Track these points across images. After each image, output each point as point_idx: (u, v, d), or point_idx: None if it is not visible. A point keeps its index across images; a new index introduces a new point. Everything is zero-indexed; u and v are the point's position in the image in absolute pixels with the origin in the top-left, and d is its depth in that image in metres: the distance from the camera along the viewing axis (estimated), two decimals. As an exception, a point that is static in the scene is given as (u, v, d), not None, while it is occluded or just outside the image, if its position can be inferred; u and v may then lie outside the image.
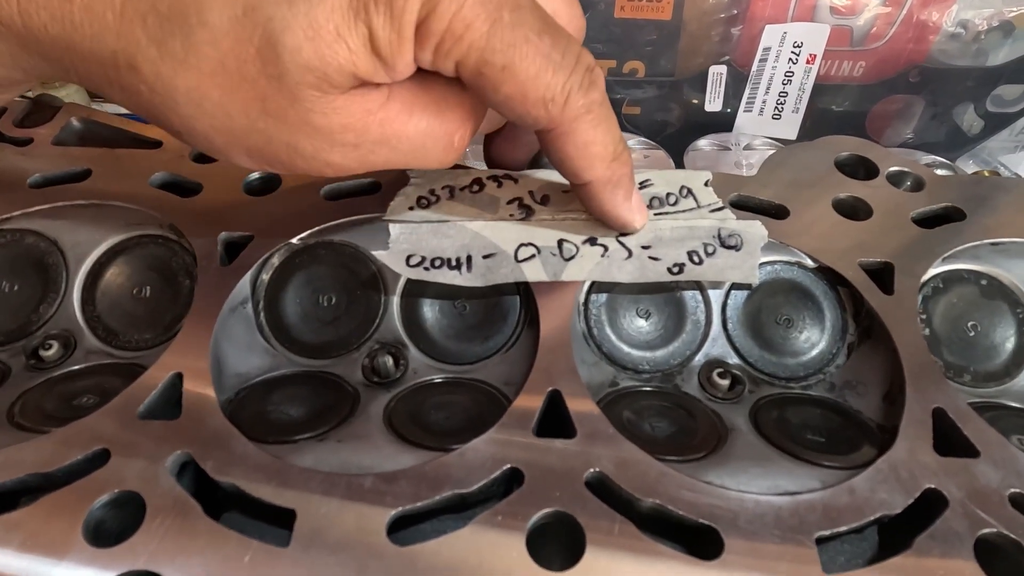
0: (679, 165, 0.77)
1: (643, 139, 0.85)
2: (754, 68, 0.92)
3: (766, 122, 0.96)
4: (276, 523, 0.26)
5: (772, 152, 0.42)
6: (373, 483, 0.27)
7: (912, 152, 0.90)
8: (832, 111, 0.95)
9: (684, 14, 0.89)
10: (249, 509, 0.27)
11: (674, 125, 0.94)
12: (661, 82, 0.93)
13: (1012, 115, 0.95)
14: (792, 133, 0.95)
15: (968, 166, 0.98)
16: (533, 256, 0.35)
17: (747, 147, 0.88)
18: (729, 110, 0.95)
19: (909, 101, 0.96)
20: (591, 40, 0.91)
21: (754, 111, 0.95)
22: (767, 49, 0.90)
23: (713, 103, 0.95)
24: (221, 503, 0.27)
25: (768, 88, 0.94)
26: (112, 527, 0.26)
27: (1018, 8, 0.89)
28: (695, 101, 0.96)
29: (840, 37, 0.90)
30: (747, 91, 0.94)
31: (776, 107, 0.95)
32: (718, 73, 0.93)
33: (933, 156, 0.88)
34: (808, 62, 0.91)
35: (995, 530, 0.26)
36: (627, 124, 0.92)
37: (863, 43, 0.91)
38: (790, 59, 0.91)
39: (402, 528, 0.27)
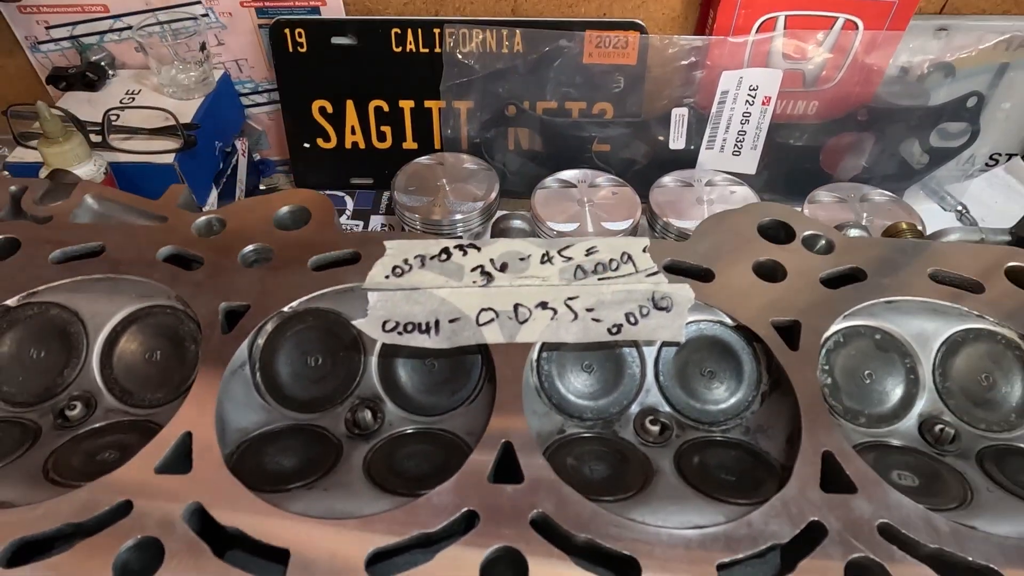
0: (645, 200, 0.83)
1: (611, 176, 0.90)
2: (714, 110, 0.98)
3: (727, 159, 1.02)
4: (273, 559, 0.32)
5: (711, 215, 0.48)
6: (354, 526, 0.32)
7: (862, 186, 0.96)
8: (789, 146, 1.02)
9: (648, 60, 0.95)
10: (250, 548, 0.32)
11: (641, 162, 1.00)
12: (628, 122, 0.99)
13: (955, 149, 1.02)
14: (751, 168, 1.02)
15: (917, 196, 1.05)
16: (492, 320, 0.41)
17: (709, 183, 0.94)
18: (692, 147, 1.01)
19: (860, 138, 1.03)
20: (562, 84, 0.97)
21: (715, 149, 1.01)
22: (725, 92, 0.96)
23: (677, 142, 1.02)
24: (226, 543, 0.33)
25: (728, 127, 1.00)
26: (136, 567, 0.31)
27: (957, 52, 0.97)
28: (660, 139, 1.03)
29: (793, 79, 0.97)
30: (708, 130, 1.01)
31: (736, 145, 1.02)
32: (681, 114, 0.99)
33: (881, 190, 0.95)
34: (764, 103, 0.98)
35: (864, 554, 0.32)
36: (597, 161, 0.98)
37: (815, 84, 0.98)
38: (747, 101, 0.97)
39: (378, 562, 0.32)
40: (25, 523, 0.32)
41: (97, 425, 0.39)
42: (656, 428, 0.39)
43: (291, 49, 0.97)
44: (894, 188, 0.95)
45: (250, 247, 0.44)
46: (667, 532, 0.32)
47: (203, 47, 0.95)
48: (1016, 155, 1.07)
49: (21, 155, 0.83)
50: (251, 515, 0.33)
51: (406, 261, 0.44)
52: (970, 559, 0.32)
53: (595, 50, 0.95)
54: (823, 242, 0.46)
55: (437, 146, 1.06)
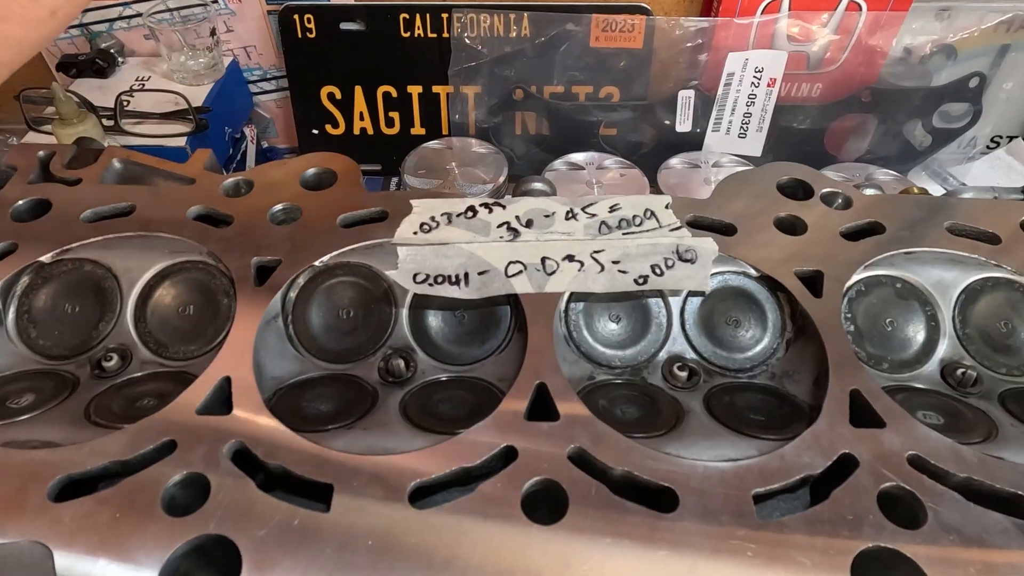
0: (652, 182, 0.84)
1: (619, 158, 0.91)
2: (720, 92, 0.99)
3: (733, 141, 1.03)
4: (316, 498, 0.32)
5: (729, 174, 0.49)
6: (395, 462, 0.33)
7: (867, 166, 0.97)
8: (793, 129, 1.03)
9: (654, 43, 0.96)
10: (293, 487, 0.33)
11: (648, 145, 1.01)
12: (635, 106, 1.00)
13: (957, 130, 1.03)
14: (757, 150, 1.03)
15: (920, 177, 1.06)
16: (520, 272, 0.41)
17: (715, 164, 0.95)
18: (698, 130, 1.02)
19: (863, 119, 1.04)
20: (569, 68, 0.98)
21: (721, 131, 1.02)
22: (731, 74, 0.97)
23: (683, 124, 1.03)
24: (270, 481, 0.33)
25: (733, 110, 1.01)
26: (182, 502, 0.32)
27: (958, 33, 0.98)
28: (667, 122, 1.03)
29: (797, 62, 0.98)
30: (714, 113, 1.02)
31: (741, 127, 1.03)
32: (687, 97, 1.00)
33: (886, 170, 0.96)
34: (769, 85, 0.99)
35: (895, 483, 0.32)
36: (604, 145, 0.99)
37: (819, 67, 0.99)
38: (752, 83, 0.98)
39: (420, 498, 0.33)
40: (71, 461, 0.33)
41: (134, 375, 0.40)
42: (684, 374, 0.40)
43: (300, 35, 0.98)
44: (897, 170, 0.97)
45: (279, 206, 0.45)
46: (702, 464, 0.33)
47: (213, 32, 0.95)
48: (1017, 136, 1.08)
49: (34, 139, 0.83)
50: (293, 453, 0.33)
51: (433, 219, 0.44)
52: (998, 487, 0.33)
53: (601, 34, 0.96)
54: (841, 199, 0.47)
55: (445, 131, 1.07)
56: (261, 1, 0.99)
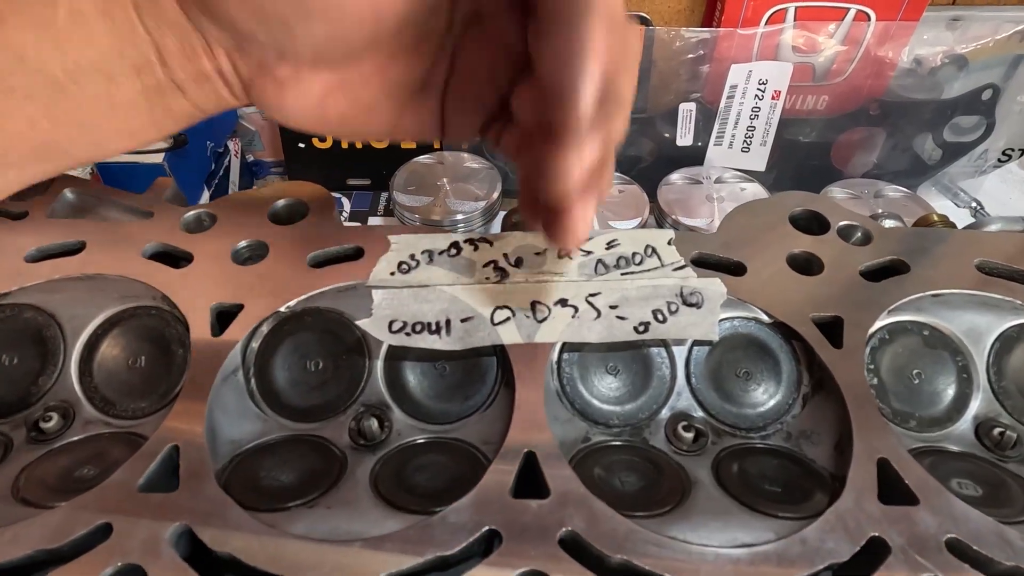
0: (652, 198, 0.80)
1: (617, 174, 0.87)
2: (722, 104, 0.95)
3: (735, 155, 0.99)
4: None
5: (738, 205, 0.45)
6: (361, 548, 0.29)
7: (875, 182, 0.93)
8: (799, 143, 0.99)
9: (654, 54, 0.92)
10: (245, 576, 0.29)
11: (647, 160, 0.97)
12: (634, 118, 0.96)
13: (969, 144, 0.99)
14: (761, 165, 0.99)
15: (930, 192, 1.02)
16: (508, 319, 0.37)
17: (718, 180, 0.92)
18: (700, 144, 0.98)
19: (871, 132, 1.00)
20: (565, 80, 0.94)
21: (724, 145, 0.99)
22: (734, 87, 0.93)
23: (684, 138, 0.99)
24: (217, 570, 0.29)
25: (736, 123, 0.97)
26: (116, 599, 0.28)
27: (971, 43, 0.94)
28: (667, 136, 0.99)
29: (803, 74, 0.94)
30: (716, 126, 0.98)
31: (745, 141, 0.99)
32: (688, 110, 0.96)
33: (895, 186, 0.92)
34: (773, 98, 0.95)
35: (932, 574, 0.28)
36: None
37: (825, 79, 0.95)
38: (756, 95, 0.94)
39: (390, 596, 0.29)
40: (-10, 549, 0.28)
41: (75, 438, 0.35)
42: (690, 435, 0.36)
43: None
44: (906, 184, 0.93)
45: (243, 243, 0.41)
46: (713, 552, 0.29)
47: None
48: (1031, 151, 1.04)
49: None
50: (245, 538, 0.29)
51: (412, 257, 0.40)
52: (1047, 576, 0.29)
53: (599, 44, 0.92)
54: (860, 233, 0.43)
55: (436, 146, 1.03)
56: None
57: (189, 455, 0.32)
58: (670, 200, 0.83)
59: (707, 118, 0.96)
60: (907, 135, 0.98)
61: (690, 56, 0.93)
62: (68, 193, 0.44)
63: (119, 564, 0.28)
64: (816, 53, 0.92)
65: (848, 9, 0.89)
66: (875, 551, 0.29)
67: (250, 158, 1.06)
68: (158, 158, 0.80)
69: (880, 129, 0.98)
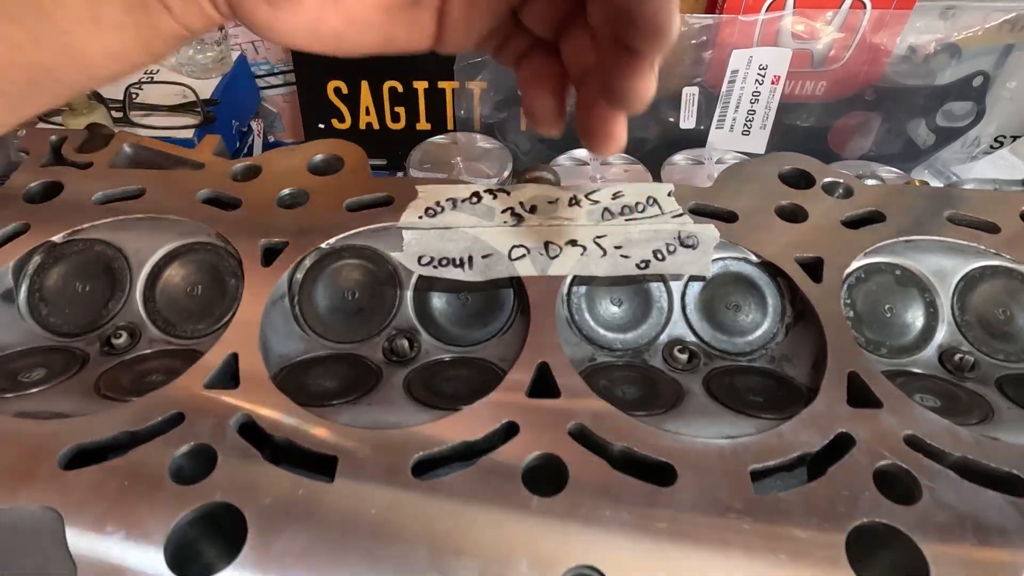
0: (656, 178, 0.85)
1: (623, 155, 0.91)
2: (724, 89, 1.00)
3: (736, 138, 1.04)
4: (321, 471, 0.33)
5: (731, 164, 0.49)
6: (399, 435, 0.33)
7: (870, 164, 0.97)
8: (797, 127, 1.03)
9: (659, 40, 0.97)
10: (298, 460, 0.33)
11: (652, 142, 1.02)
12: (639, 103, 1.00)
13: (961, 129, 1.04)
14: (761, 147, 1.03)
15: (923, 176, 1.06)
16: (524, 255, 0.42)
17: (719, 161, 0.96)
18: (702, 127, 1.02)
19: (867, 117, 1.04)
20: (574, 65, 0.99)
21: (725, 128, 1.03)
22: (735, 71, 0.98)
23: (687, 121, 1.03)
24: (275, 456, 0.34)
25: (737, 107, 1.01)
26: (189, 473, 0.32)
27: (963, 32, 0.98)
28: (671, 119, 1.04)
29: (802, 60, 0.99)
30: (718, 110, 1.02)
31: (745, 124, 1.03)
32: (691, 94, 1.01)
33: (889, 168, 0.96)
34: (773, 82, 0.99)
35: (891, 462, 0.33)
36: (608, 142, 0.99)
37: (823, 65, 0.99)
38: (756, 80, 0.99)
39: (422, 472, 0.33)
40: (81, 431, 0.33)
41: (144, 352, 0.40)
42: (684, 356, 0.41)
43: (308, 30, 0.98)
44: (900, 168, 0.97)
45: (286, 191, 0.46)
46: (701, 441, 0.34)
47: (221, 27, 0.96)
48: (1021, 136, 1.08)
49: (43, 128, 0.84)
50: (298, 426, 0.34)
51: (438, 204, 0.45)
52: (993, 466, 0.33)
53: (607, 31, 0.97)
54: (842, 188, 0.48)
55: (450, 127, 1.08)
56: (270, -4, 0.99)
57: (246, 361, 0.36)
58: (673, 179, 0.87)
59: (709, 102, 1.01)
60: (901, 120, 1.02)
61: (693, 42, 0.97)
62: (126, 147, 0.49)
63: (192, 444, 0.33)
64: (814, 40, 0.97)
65: (845, -3, 0.93)
66: (842, 444, 0.34)
67: (271, 138, 1.11)
68: (188, 134, 0.85)
69: (875, 114, 1.02)
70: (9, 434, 0.33)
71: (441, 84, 1.01)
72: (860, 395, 0.36)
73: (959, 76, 0.99)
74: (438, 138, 0.92)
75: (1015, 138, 1.09)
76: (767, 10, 0.94)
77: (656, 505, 0.31)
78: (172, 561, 0.29)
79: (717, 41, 0.96)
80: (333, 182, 0.47)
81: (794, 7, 0.95)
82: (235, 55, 1.02)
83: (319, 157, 0.48)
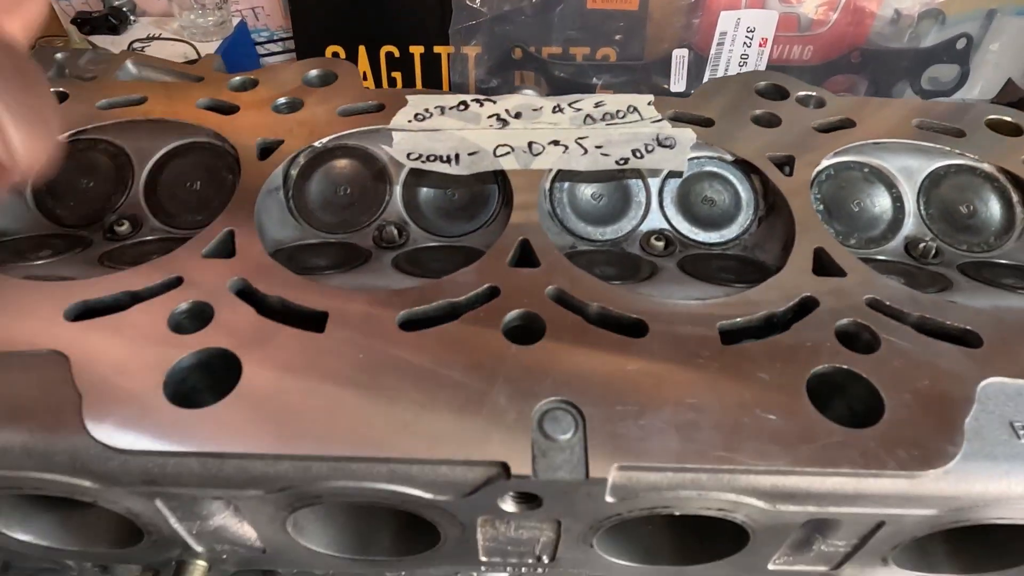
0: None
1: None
2: (713, 51, 1.02)
3: (725, 101, 1.05)
4: (312, 328, 0.35)
5: (700, 86, 0.51)
6: (387, 295, 0.35)
7: (855, 124, 0.98)
8: (785, 91, 1.04)
9: (649, 4, 0.99)
10: (291, 318, 0.35)
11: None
12: (630, 66, 1.03)
13: (946, 92, 1.05)
14: (749, 111, 1.04)
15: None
16: (508, 153, 0.44)
17: (708, 122, 0.97)
18: (692, 91, 1.04)
19: (853, 80, 1.06)
20: (566, 29, 1.01)
21: (714, 91, 1.04)
22: (723, 34, 1.00)
23: (677, 84, 1.05)
24: (270, 315, 0.36)
25: (726, 70, 1.03)
26: (189, 328, 0.34)
27: (945, -4, 1.00)
28: (664, 87, 1.06)
29: (788, 23, 1.01)
30: (707, 72, 1.04)
31: (734, 87, 1.04)
32: (681, 57, 1.03)
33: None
34: (760, 45, 1.01)
35: (852, 320, 0.35)
36: (601, 103, 1.01)
37: (809, 28, 1.01)
38: (744, 43, 1.01)
39: (409, 329, 0.35)
40: (85, 290, 0.35)
41: (145, 238, 0.42)
42: (661, 243, 0.42)
43: (306, -6, 1.01)
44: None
45: (282, 99, 0.48)
46: (672, 302, 0.35)
47: None
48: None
49: (48, 86, 0.85)
50: (291, 287, 0.36)
51: (427, 110, 0.47)
52: (949, 323, 0.35)
53: (598, -5, 0.99)
54: (814, 100, 0.50)
55: (446, 90, 1.09)
56: (270, -40, 1.02)
57: (242, 237, 0.38)
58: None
59: (699, 65, 1.03)
60: (887, 83, 1.04)
61: (683, 3, 0.99)
62: (130, 64, 0.51)
63: (192, 301, 0.35)
64: (801, 3, 0.99)
65: (830, -41, 0.95)
66: (807, 306, 0.36)
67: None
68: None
69: (861, 77, 1.04)
70: (18, 290, 0.35)
71: (437, 49, 1.03)
72: (825, 266, 0.38)
73: (943, 39, 1.01)
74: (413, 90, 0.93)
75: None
76: (754, -28, 0.96)
77: (628, 352, 0.33)
78: (172, 397, 0.31)
79: (706, 4, 0.98)
80: (327, 92, 0.49)
81: (781, -31, 0.97)
82: (236, 21, 1.04)
83: (314, 72, 0.50)
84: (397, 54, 1.05)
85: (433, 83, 1.07)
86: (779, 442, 0.30)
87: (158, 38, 0.96)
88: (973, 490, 0.30)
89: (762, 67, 1.01)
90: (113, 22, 1.01)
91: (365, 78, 1.08)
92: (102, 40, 0.96)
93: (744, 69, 1.01)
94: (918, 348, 0.33)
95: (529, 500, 0.31)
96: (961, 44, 1.00)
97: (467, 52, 1.03)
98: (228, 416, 0.30)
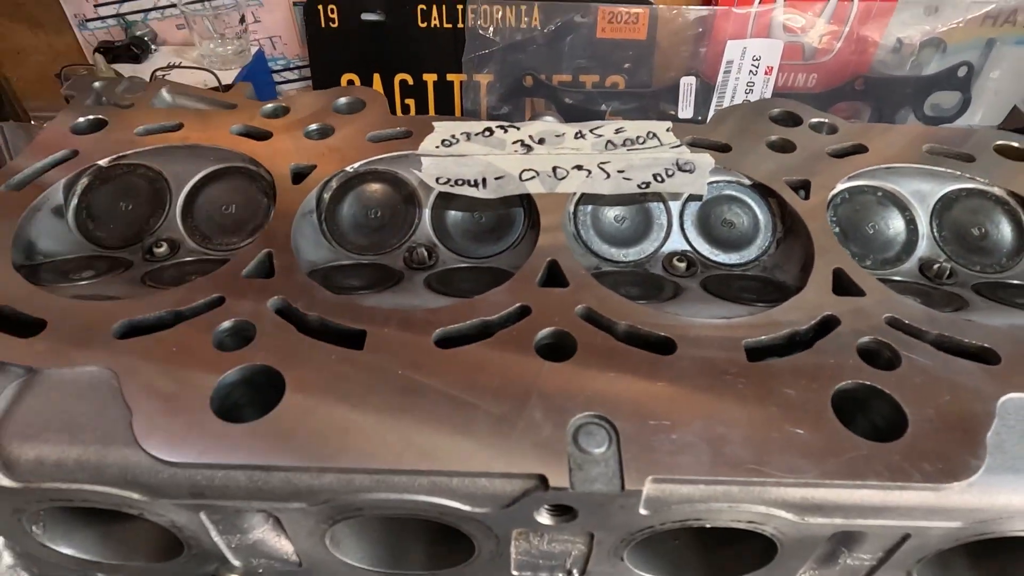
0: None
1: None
2: (720, 79, 1.04)
3: (732, 127, 1.07)
4: (352, 345, 0.36)
5: (715, 113, 0.53)
6: (421, 314, 0.36)
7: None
8: (790, 118, 1.06)
9: (657, 34, 1.02)
10: (330, 336, 0.36)
11: (658, 127, 1.06)
12: (639, 93, 1.05)
13: (948, 118, 1.08)
14: (756, 137, 1.06)
15: (914, 166, 1.09)
16: (534, 177, 0.45)
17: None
18: (700, 118, 1.07)
19: (857, 107, 1.08)
20: (576, 57, 1.04)
21: (721, 117, 1.06)
22: (730, 62, 1.02)
23: (685, 111, 1.07)
24: (309, 333, 0.37)
25: (733, 97, 1.06)
26: (231, 345, 0.35)
27: (946, 25, 1.03)
28: (671, 113, 1.08)
29: (793, 52, 1.03)
30: (715, 100, 1.06)
31: (741, 114, 1.06)
32: (688, 84, 1.05)
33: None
34: (766, 73, 1.03)
35: (873, 338, 0.36)
36: (610, 130, 1.03)
37: (813, 57, 1.04)
38: (751, 71, 1.03)
39: (443, 348, 0.36)
40: (131, 309, 0.36)
41: (183, 259, 0.44)
42: (683, 264, 0.44)
43: (323, 24, 1.04)
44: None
45: (313, 125, 0.49)
46: (699, 320, 0.37)
47: (242, 20, 1.01)
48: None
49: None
50: (330, 307, 0.37)
51: (453, 136, 0.49)
52: (967, 341, 0.36)
53: (608, 25, 1.02)
54: (827, 127, 0.51)
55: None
56: (288, -7, 1.04)
57: (280, 258, 0.40)
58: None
59: (706, 92, 1.05)
60: (890, 109, 1.06)
61: (690, 34, 1.02)
62: (164, 92, 0.53)
63: (234, 320, 0.36)
64: (805, 32, 1.01)
65: (833, -10, 0.98)
66: (828, 324, 0.37)
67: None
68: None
69: (865, 104, 1.07)
70: (67, 310, 0.36)
71: (450, 76, 1.06)
72: (844, 286, 0.39)
73: (944, 67, 1.03)
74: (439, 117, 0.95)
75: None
76: (760, 3, 0.99)
77: (657, 369, 0.34)
78: (219, 412, 0.32)
79: (712, 34, 1.01)
80: (356, 119, 0.50)
81: (785, 0, 1.00)
82: (254, 50, 1.06)
83: (343, 100, 0.52)
84: (411, 82, 1.07)
85: (445, 110, 1.09)
86: (807, 455, 0.31)
87: (179, 66, 0.98)
88: (997, 502, 0.30)
89: (768, 94, 1.04)
90: (135, 51, 1.04)
91: (379, 105, 1.10)
92: (124, 68, 0.98)
93: (750, 96, 1.04)
94: (938, 365, 0.35)
95: (564, 512, 0.32)
96: (962, 72, 1.02)
97: (479, 79, 1.06)
98: (273, 430, 0.31)
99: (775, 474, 0.30)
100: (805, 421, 0.32)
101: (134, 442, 0.31)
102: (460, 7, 1.00)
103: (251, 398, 0.34)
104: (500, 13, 1.01)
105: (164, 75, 0.89)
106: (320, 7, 1.02)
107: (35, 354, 0.34)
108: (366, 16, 1.03)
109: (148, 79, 0.87)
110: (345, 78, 1.08)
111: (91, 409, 0.32)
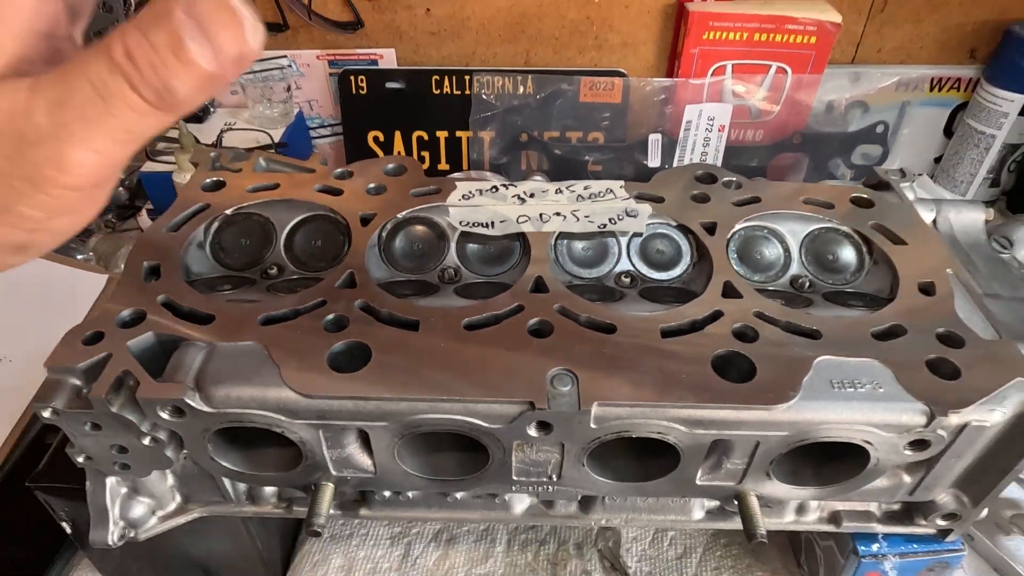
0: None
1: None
2: (681, 135, 1.26)
3: (693, 174, 1.28)
4: (411, 329, 0.56)
5: (657, 174, 0.74)
6: (456, 311, 0.57)
7: (797, 193, 1.21)
8: (741, 166, 1.29)
9: (630, 98, 1.24)
10: (396, 324, 0.56)
11: (627, 178, 1.27)
12: (616, 147, 1.27)
13: (871, 167, 1.29)
14: (713, 182, 1.27)
15: (847, 205, 1.30)
16: (527, 220, 0.66)
17: (679, 191, 1.19)
18: (666, 166, 1.28)
19: (797, 158, 1.31)
20: (564, 118, 1.26)
21: (683, 166, 1.27)
22: (689, 122, 1.24)
23: (654, 161, 1.30)
24: (382, 323, 0.57)
25: (692, 150, 1.28)
26: (334, 329, 0.55)
27: (866, 90, 1.25)
28: (644, 163, 1.30)
29: (742, 113, 1.26)
30: (677, 152, 1.29)
31: (699, 163, 1.27)
32: (656, 140, 1.27)
33: (813, 195, 1.20)
34: (720, 131, 1.26)
35: (743, 323, 0.56)
36: (592, 178, 1.25)
37: (759, 116, 1.27)
38: (706, 128, 1.25)
39: (469, 329, 0.56)
40: (267, 308, 0.57)
41: (290, 277, 0.64)
42: (628, 280, 0.64)
43: (354, 91, 1.26)
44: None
45: (372, 184, 0.70)
46: (632, 314, 0.57)
47: (288, 88, 1.23)
48: (923, 174, 1.34)
49: (152, 167, 1.09)
50: (394, 306, 0.57)
51: (471, 192, 0.70)
52: (804, 325, 0.56)
53: (589, 91, 1.24)
54: (735, 184, 0.72)
55: (465, 167, 1.34)
56: (325, 65, 1.27)
57: (359, 275, 0.60)
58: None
59: (671, 146, 1.27)
60: (824, 159, 1.28)
61: (656, 99, 1.24)
62: (261, 160, 0.74)
63: (335, 314, 0.56)
64: (750, 97, 1.23)
65: (770, 65, 1.21)
66: (715, 315, 0.57)
67: (322, 176, 1.34)
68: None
69: (803, 155, 1.29)
70: (226, 309, 0.56)
71: (458, 133, 1.28)
72: (730, 292, 0.60)
73: (866, 124, 1.26)
74: (455, 175, 1.17)
75: (919, 175, 1.35)
76: (712, 74, 1.21)
77: (605, 343, 0.54)
78: (331, 366, 0.52)
79: (675, 99, 1.23)
80: (402, 179, 0.71)
81: (733, 73, 1.22)
82: (295, 111, 1.28)
83: (391, 166, 0.73)
84: (426, 137, 1.29)
85: (455, 160, 1.31)
86: (693, 390, 0.51)
87: (234, 127, 1.20)
88: (805, 418, 0.50)
89: (721, 148, 1.25)
90: (198, 113, 1.25)
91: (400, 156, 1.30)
92: (192, 127, 1.20)
93: (707, 149, 1.26)
94: (781, 339, 0.55)
95: (545, 428, 0.51)
96: (880, 129, 1.24)
97: (483, 136, 1.28)
98: (367, 376, 0.51)
99: (673, 402, 0.50)
100: (694, 372, 0.52)
101: (283, 384, 0.51)
102: (467, 77, 1.23)
103: (350, 361, 0.54)
104: (500, 82, 1.23)
105: (224, 131, 1.10)
106: (352, 77, 1.24)
107: (212, 335, 0.54)
108: (390, 84, 1.25)
109: (216, 136, 1.09)
110: (371, 134, 1.29)
111: (253, 365, 0.52)
